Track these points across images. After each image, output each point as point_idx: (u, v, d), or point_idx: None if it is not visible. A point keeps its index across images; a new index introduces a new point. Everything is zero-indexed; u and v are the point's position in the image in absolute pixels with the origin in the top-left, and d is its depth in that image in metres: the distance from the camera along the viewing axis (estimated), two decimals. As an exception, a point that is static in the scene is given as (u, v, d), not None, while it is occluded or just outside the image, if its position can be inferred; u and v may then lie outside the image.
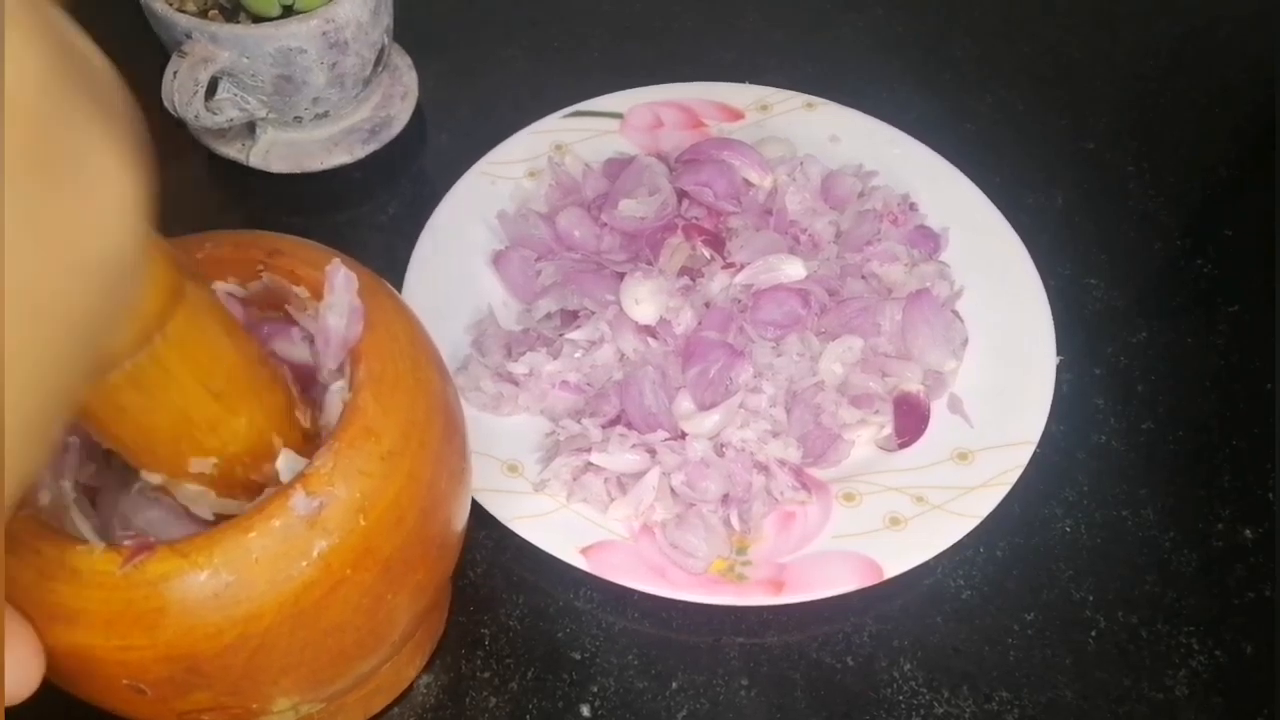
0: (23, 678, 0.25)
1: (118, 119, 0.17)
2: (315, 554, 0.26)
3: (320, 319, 0.29)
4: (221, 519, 0.27)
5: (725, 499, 0.43)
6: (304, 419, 0.29)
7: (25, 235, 0.15)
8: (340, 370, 0.30)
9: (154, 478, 0.27)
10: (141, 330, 0.22)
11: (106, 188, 0.17)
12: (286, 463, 0.29)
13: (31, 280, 0.15)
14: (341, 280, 0.29)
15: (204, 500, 0.28)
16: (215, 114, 0.52)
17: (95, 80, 0.17)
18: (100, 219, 0.17)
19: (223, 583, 0.25)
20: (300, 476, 0.27)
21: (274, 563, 0.26)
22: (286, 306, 0.31)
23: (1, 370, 0.15)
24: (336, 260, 0.30)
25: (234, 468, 0.27)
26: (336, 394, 0.30)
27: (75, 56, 0.16)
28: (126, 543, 0.25)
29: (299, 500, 0.26)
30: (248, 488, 0.28)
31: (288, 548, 0.26)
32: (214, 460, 0.27)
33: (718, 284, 0.47)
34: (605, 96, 0.57)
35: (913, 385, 0.46)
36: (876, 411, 0.45)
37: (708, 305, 0.47)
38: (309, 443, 0.29)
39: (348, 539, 0.27)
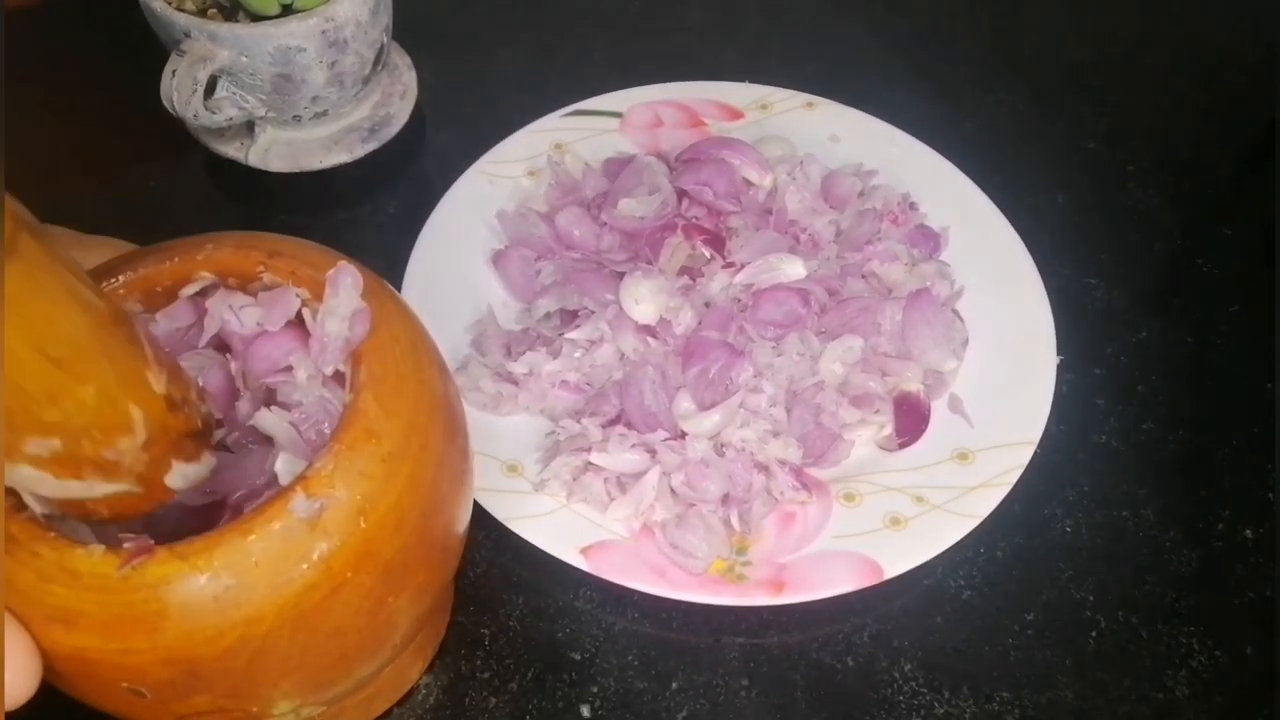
0: (19, 682, 0.25)
1: None
2: (315, 557, 0.26)
3: (320, 321, 0.29)
4: (65, 505, 0.26)
5: (725, 499, 0.43)
6: (158, 383, 0.26)
7: None
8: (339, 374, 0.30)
9: None
10: None
11: None
12: (285, 465, 0.29)
13: None
14: (349, 282, 0.29)
15: (42, 485, 0.25)
16: (214, 113, 0.51)
17: None
18: None
19: (222, 586, 0.25)
20: (300, 478, 0.27)
21: (274, 565, 0.26)
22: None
23: None
24: (344, 263, 0.29)
25: (81, 443, 0.24)
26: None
27: None
28: (126, 545, 0.25)
29: (299, 503, 0.26)
30: (99, 466, 0.25)
31: (288, 550, 0.26)
32: (56, 439, 0.24)
33: (718, 284, 0.47)
34: (605, 96, 0.57)
35: (913, 385, 0.46)
36: (877, 411, 0.45)
37: (708, 305, 0.47)
38: (173, 411, 0.27)
39: (348, 541, 0.27)
